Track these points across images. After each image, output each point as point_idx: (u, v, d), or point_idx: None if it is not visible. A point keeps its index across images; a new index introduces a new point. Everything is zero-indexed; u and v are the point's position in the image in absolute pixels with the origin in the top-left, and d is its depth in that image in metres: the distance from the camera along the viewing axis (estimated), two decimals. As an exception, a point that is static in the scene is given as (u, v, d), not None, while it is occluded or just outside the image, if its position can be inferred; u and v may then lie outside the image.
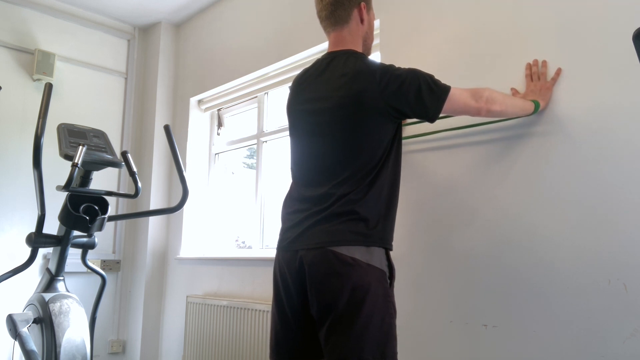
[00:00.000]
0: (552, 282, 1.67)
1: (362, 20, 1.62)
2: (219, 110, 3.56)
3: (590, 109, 1.65)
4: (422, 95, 1.48)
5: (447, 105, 1.51)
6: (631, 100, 1.57)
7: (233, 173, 3.57)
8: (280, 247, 1.57)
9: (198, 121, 3.58)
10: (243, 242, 3.33)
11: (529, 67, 1.80)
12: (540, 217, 1.72)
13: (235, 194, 3.48)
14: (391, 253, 1.52)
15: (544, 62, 1.77)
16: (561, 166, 1.69)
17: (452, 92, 1.51)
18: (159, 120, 3.62)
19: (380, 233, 1.47)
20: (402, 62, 2.15)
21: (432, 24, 2.12)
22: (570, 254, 1.64)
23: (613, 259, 1.55)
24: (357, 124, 1.48)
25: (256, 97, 3.22)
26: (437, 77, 2.12)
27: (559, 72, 1.73)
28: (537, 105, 1.70)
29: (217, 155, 3.55)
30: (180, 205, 2.53)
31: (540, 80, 1.75)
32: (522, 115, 1.73)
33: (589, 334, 1.57)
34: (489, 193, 1.86)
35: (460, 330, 1.87)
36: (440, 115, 1.53)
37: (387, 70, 1.50)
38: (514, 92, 1.83)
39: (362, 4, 1.62)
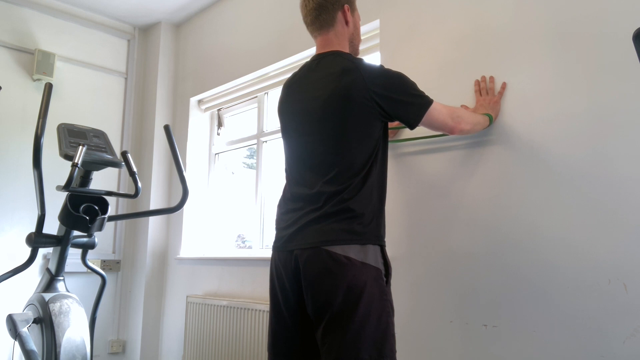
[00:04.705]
0: (552, 282, 1.67)
1: (347, 22, 1.65)
2: (219, 110, 3.56)
3: (589, 108, 1.65)
4: (406, 99, 1.52)
5: (426, 118, 1.55)
6: (629, 101, 1.57)
7: (233, 173, 3.57)
8: (276, 247, 1.58)
9: (198, 121, 3.58)
10: (243, 242, 3.33)
11: (477, 83, 1.92)
12: (540, 217, 1.72)
13: (235, 194, 3.48)
14: (387, 251, 1.52)
15: (491, 78, 1.89)
16: (561, 166, 1.69)
17: (433, 106, 1.56)
18: (159, 120, 3.62)
19: (374, 230, 1.48)
20: (402, 62, 2.17)
21: (432, 24, 2.12)
22: (570, 254, 1.64)
23: (613, 259, 1.55)
24: (345, 120, 1.49)
25: (256, 97, 3.22)
26: (436, 76, 2.10)
27: (504, 86, 1.86)
28: (490, 118, 1.82)
29: (217, 155, 3.56)
30: (180, 205, 2.53)
31: (488, 95, 1.87)
32: (480, 130, 1.82)
33: (589, 334, 1.57)
34: (489, 193, 1.86)
35: (460, 330, 1.87)
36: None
37: (374, 67, 1.54)
38: (464, 107, 1.92)
39: (346, 6, 1.64)
